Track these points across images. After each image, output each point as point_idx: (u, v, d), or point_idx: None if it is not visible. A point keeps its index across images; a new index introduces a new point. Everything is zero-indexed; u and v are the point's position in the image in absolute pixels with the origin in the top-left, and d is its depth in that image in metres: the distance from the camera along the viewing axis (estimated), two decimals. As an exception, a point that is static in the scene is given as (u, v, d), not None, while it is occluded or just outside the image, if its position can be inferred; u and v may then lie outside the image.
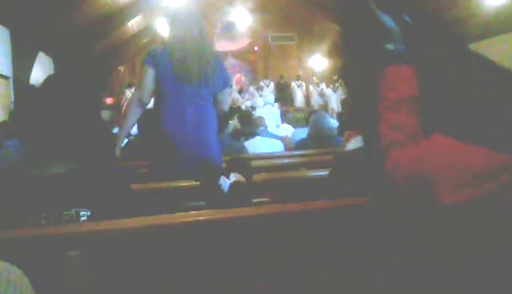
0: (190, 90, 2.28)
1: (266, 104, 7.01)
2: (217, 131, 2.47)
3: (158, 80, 2.29)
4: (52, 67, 9.24)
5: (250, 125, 4.66)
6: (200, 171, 2.16)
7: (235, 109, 7.25)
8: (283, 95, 13.88)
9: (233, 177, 1.50)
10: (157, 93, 2.33)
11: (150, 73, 2.27)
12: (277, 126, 6.43)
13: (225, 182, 1.49)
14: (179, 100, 2.29)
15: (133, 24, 11.39)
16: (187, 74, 2.26)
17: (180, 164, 2.28)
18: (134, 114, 2.38)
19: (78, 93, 1.26)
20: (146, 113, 2.47)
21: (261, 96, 11.79)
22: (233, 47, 15.03)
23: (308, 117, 4.98)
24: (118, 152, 2.39)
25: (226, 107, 2.48)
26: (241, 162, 1.59)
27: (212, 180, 1.52)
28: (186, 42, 2.29)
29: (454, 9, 8.18)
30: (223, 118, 3.35)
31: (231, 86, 2.44)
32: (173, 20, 2.38)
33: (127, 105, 2.86)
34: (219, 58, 2.42)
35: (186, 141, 2.28)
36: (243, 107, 10.16)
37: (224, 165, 1.59)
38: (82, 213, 1.16)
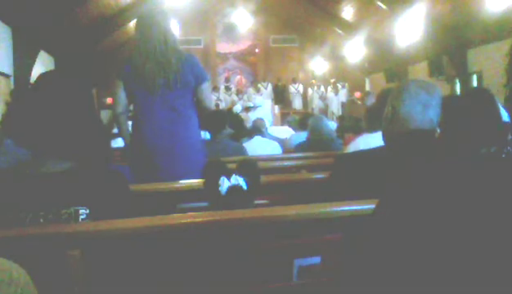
0: (156, 96, 2.23)
1: (255, 106, 7.20)
2: (213, 131, 2.43)
3: (127, 90, 2.28)
4: (53, 66, 9.24)
5: (242, 128, 4.64)
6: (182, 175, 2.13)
7: (228, 112, 7.30)
8: (281, 98, 13.89)
9: (234, 180, 1.40)
10: (132, 102, 2.34)
11: (119, 86, 2.29)
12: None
13: (223, 183, 1.40)
14: (149, 108, 2.26)
15: (134, 25, 11.38)
16: (148, 81, 2.21)
17: (156, 172, 2.24)
18: (123, 125, 2.42)
19: (75, 91, 1.26)
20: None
21: (249, 101, 11.84)
22: (234, 49, 15.05)
23: (302, 120, 4.93)
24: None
25: (208, 103, 2.38)
26: (249, 165, 1.48)
27: (211, 178, 1.43)
28: (145, 48, 2.24)
29: (454, 14, 8.20)
30: (213, 116, 3.32)
31: (207, 80, 2.34)
32: (137, 26, 2.36)
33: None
34: (189, 56, 2.32)
35: (160, 149, 2.25)
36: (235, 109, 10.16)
37: (234, 165, 1.51)
38: (81, 211, 1.15)
